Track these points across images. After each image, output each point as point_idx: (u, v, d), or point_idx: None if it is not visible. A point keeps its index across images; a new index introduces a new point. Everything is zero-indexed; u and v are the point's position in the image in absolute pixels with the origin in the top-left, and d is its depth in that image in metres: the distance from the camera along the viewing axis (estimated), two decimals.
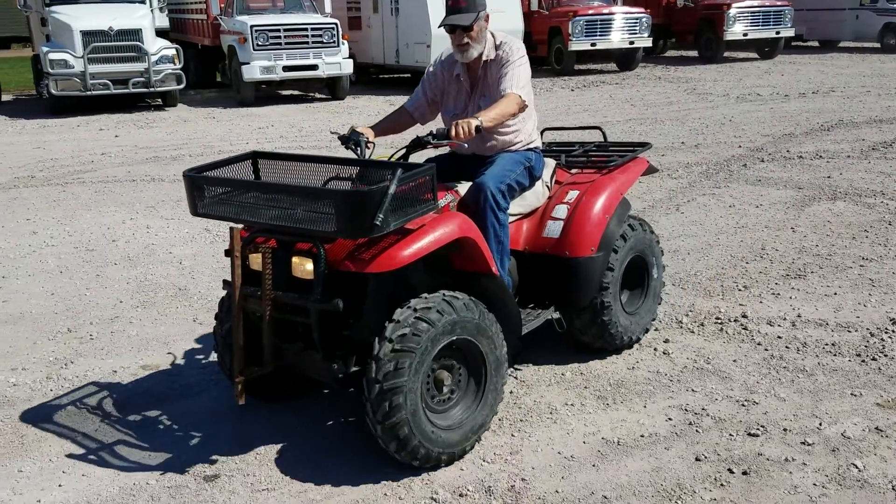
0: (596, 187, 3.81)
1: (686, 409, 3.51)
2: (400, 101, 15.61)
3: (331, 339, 3.11)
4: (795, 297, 4.66)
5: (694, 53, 19.55)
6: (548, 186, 3.84)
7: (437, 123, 3.73)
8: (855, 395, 3.56)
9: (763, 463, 3.09)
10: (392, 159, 3.43)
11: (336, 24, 15.59)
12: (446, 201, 3.38)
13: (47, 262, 5.94)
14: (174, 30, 21.30)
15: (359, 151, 3.47)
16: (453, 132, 3.27)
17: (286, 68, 15.12)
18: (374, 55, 18.34)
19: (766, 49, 18.99)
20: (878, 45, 19.78)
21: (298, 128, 12.44)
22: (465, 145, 3.45)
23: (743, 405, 3.52)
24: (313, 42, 15.36)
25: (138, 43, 14.36)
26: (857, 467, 3.03)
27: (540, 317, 3.76)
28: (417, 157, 3.59)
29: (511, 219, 3.63)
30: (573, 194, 3.81)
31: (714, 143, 9.14)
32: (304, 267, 3.05)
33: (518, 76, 3.51)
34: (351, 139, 3.49)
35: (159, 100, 15.70)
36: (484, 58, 3.59)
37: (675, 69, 17.76)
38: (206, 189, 3.14)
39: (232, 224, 3.10)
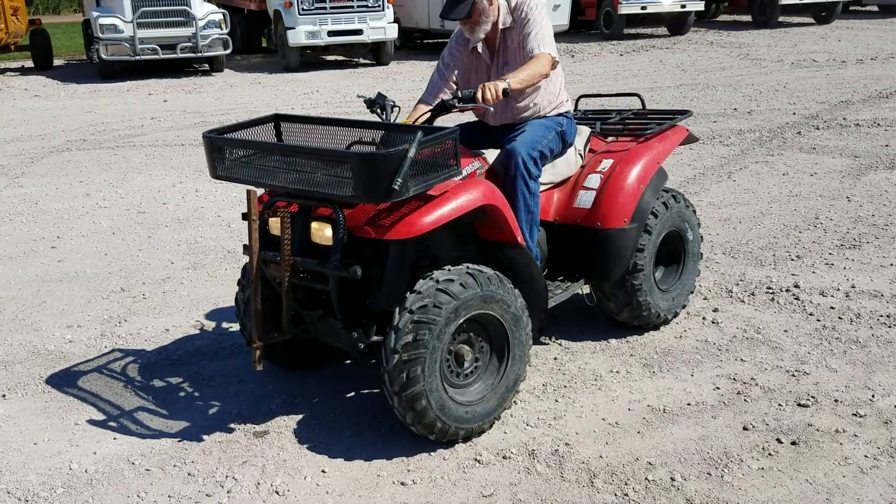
0: (631, 156, 3.66)
1: (734, 379, 3.47)
2: None
3: (351, 307, 3.06)
4: (850, 268, 4.54)
5: (747, 18, 18.99)
6: (581, 155, 3.71)
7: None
8: None
9: (813, 433, 3.05)
10: (416, 123, 3.31)
11: None
12: (473, 168, 3.28)
13: (100, 223, 6.07)
14: None
15: (384, 115, 3.41)
16: (479, 95, 3.14)
17: (331, 33, 15.10)
18: (419, 20, 18.18)
19: (822, 14, 18.35)
20: None
21: (343, 93, 12.44)
22: (492, 109, 3.32)
23: (793, 376, 3.46)
24: (358, 6, 15.29)
25: (186, 7, 14.47)
26: None
27: (569, 290, 3.62)
28: (446, 124, 3.55)
29: (542, 188, 3.53)
30: (607, 163, 3.66)
31: (767, 109, 8.91)
32: (323, 232, 2.98)
33: (542, 33, 3.34)
34: (377, 102, 3.43)
35: (206, 65, 15.83)
36: (500, 26, 3.44)
37: (727, 34, 17.29)
38: (226, 151, 3.09)
39: (249, 187, 3.02)
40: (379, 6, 15.39)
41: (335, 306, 3.02)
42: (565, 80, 3.67)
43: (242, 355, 3.86)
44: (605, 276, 3.66)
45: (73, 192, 7.00)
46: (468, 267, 3.00)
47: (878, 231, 5.07)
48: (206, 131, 3.13)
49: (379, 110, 3.43)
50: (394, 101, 3.44)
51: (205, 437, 3.17)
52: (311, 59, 16.66)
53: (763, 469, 2.86)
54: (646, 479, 2.83)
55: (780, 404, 3.25)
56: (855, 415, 3.15)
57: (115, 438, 3.20)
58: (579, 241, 3.60)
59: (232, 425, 3.25)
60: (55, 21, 30.73)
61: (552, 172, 3.59)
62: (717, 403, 3.30)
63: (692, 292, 4.10)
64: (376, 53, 16.09)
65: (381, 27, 15.47)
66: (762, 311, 4.09)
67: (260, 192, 3.16)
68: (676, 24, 17.56)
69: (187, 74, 15.14)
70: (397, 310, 2.88)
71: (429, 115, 3.40)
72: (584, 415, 3.26)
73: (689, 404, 3.30)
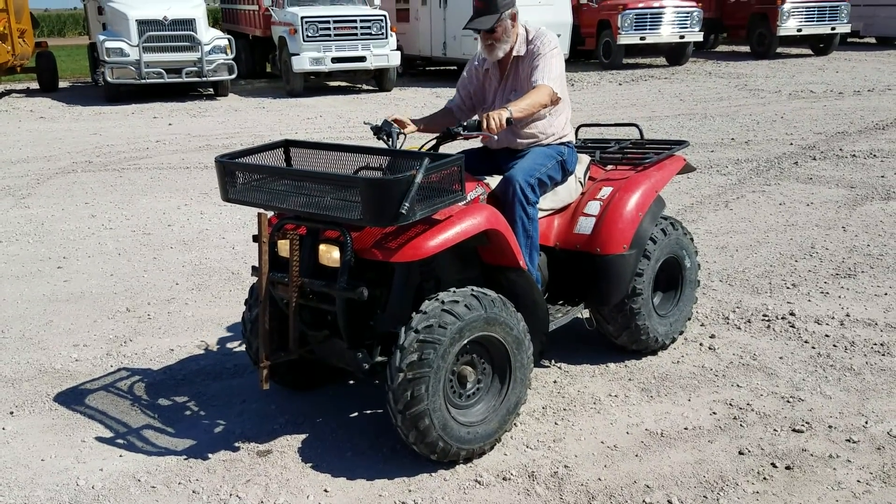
0: (630, 184, 3.77)
1: (730, 404, 3.53)
2: (447, 93, 15.68)
3: (356, 327, 3.12)
4: (844, 297, 4.62)
5: (746, 49, 19.23)
6: (581, 182, 3.81)
7: None
8: None
9: (807, 458, 3.10)
10: (423, 150, 3.41)
11: (385, 15, 15.71)
12: (476, 194, 3.37)
13: (106, 244, 6.14)
14: (226, 20, 21.69)
15: (390, 142, 3.50)
16: (484, 124, 3.25)
17: (335, 59, 15.31)
18: (422, 47, 18.43)
19: (820, 45, 18.57)
20: None
21: (346, 118, 12.59)
22: (496, 137, 3.45)
23: (788, 402, 3.52)
24: (362, 34, 15.51)
25: (192, 33, 14.68)
26: None
27: (569, 314, 3.71)
28: (450, 150, 3.64)
29: (542, 214, 3.63)
30: (606, 191, 3.76)
31: (765, 139, 9.03)
32: (330, 255, 3.05)
33: (550, 68, 3.47)
34: (383, 129, 3.51)
35: (211, 89, 16.01)
36: (514, 53, 3.57)
37: (725, 64, 17.51)
38: (237, 175, 3.16)
39: (260, 210, 3.10)
40: (382, 34, 15.61)
41: (341, 327, 3.08)
42: None
43: (246, 375, 3.92)
44: (604, 300, 3.73)
45: (79, 213, 7.08)
46: (472, 289, 3.05)
47: (873, 261, 5.15)
48: (219, 156, 3.21)
49: (385, 137, 3.52)
50: (399, 129, 3.53)
51: (209, 455, 3.23)
52: (315, 84, 16.86)
53: (758, 493, 2.91)
54: (643, 501, 2.88)
55: (775, 429, 3.31)
56: (848, 440, 3.20)
57: (121, 455, 3.25)
58: (579, 266, 3.68)
59: (236, 444, 3.30)
60: (60, 43, 31.07)
61: (553, 199, 3.68)
62: (714, 428, 3.35)
63: (689, 319, 4.18)
64: (379, 80, 16.29)
65: (385, 54, 15.68)
66: (758, 338, 4.15)
67: (270, 214, 3.24)
68: (675, 54, 17.78)
69: (192, 98, 15.31)
70: (403, 329, 2.93)
71: (434, 142, 3.54)
72: (583, 437, 3.31)
73: (686, 428, 3.36)
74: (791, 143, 8.65)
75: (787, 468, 3.05)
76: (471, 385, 3.13)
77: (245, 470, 3.12)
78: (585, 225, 3.70)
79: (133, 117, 13.08)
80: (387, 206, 2.77)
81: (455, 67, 19.30)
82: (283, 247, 3.17)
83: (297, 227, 3.12)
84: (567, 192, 3.74)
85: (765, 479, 2.99)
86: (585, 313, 4.00)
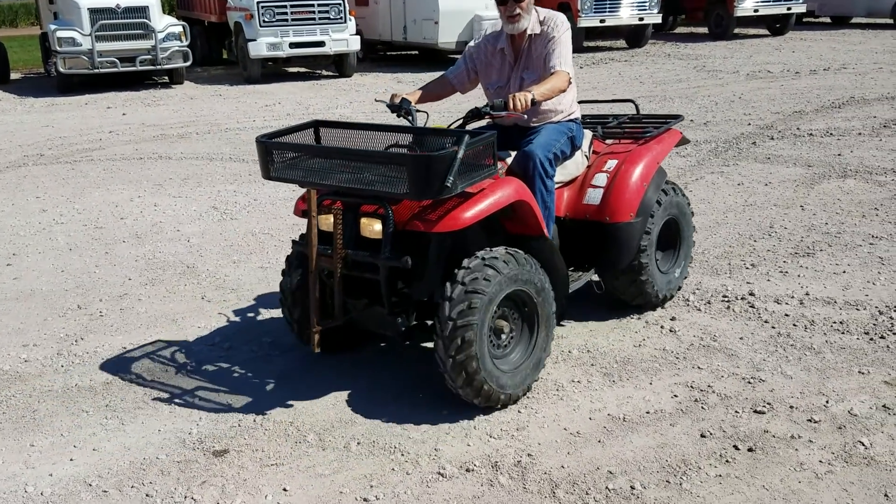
0: (634, 157, 4.00)
1: (692, 387, 3.52)
2: (408, 77, 15.48)
3: (396, 295, 3.35)
4: (803, 276, 4.64)
5: (704, 30, 19.32)
6: (586, 156, 4.03)
7: (476, 94, 3.97)
8: (862, 373, 3.55)
9: (769, 440, 3.10)
10: (450, 128, 3.59)
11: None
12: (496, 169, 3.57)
13: (57, 239, 5.96)
14: (181, 6, 21.24)
15: (410, 119, 3.69)
16: (511, 104, 3.42)
17: (293, 45, 15.07)
18: (382, 32, 18.21)
19: (777, 25, 18.73)
20: (890, 20, 19.51)
21: (305, 105, 12.41)
22: (525, 116, 3.68)
23: (749, 383, 3.53)
24: (320, 18, 15.29)
25: (145, 20, 14.34)
26: (863, 444, 3.03)
27: (581, 278, 3.98)
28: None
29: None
30: (612, 163, 3.99)
31: (723, 120, 9.08)
32: (372, 227, 3.26)
33: (565, 53, 3.68)
34: (402, 107, 3.69)
35: (166, 77, 15.67)
36: (528, 31, 3.73)
37: (684, 46, 17.59)
38: (275, 154, 3.34)
39: (303, 187, 3.34)
40: (341, 18, 15.40)
41: (384, 294, 3.30)
42: None
43: (201, 373, 3.81)
44: (614, 265, 4.00)
45: (30, 207, 6.87)
46: (507, 249, 3.32)
47: (831, 239, 5.19)
48: (259, 136, 3.36)
49: (404, 114, 3.71)
50: (418, 107, 3.75)
51: (163, 456, 3.13)
52: (274, 70, 16.59)
53: (720, 476, 2.90)
54: (606, 488, 2.86)
55: (736, 411, 3.31)
56: (810, 420, 3.21)
57: (71, 460, 3.14)
58: (589, 235, 3.92)
59: (191, 444, 3.21)
60: (12, 34, 30.21)
61: (562, 173, 3.87)
62: (675, 411, 3.34)
63: (686, 277, 4.47)
64: (339, 65, 16.07)
65: (344, 39, 15.48)
66: (718, 319, 4.16)
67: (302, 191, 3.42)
68: (635, 36, 17.81)
69: (147, 87, 14.97)
70: (449, 284, 3.18)
71: (461, 121, 3.69)
72: (547, 425, 3.28)
73: (647, 412, 3.34)
74: (749, 124, 8.71)
75: (750, 450, 3.04)
76: (505, 337, 3.40)
77: (200, 471, 3.04)
78: (594, 196, 3.93)
79: (86, 108, 12.75)
80: (432, 181, 2.99)
81: (416, 52, 19.16)
82: (326, 221, 3.33)
83: (333, 202, 3.27)
84: (575, 166, 3.95)
85: (727, 461, 2.98)
86: (595, 277, 4.19)
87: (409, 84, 14.53)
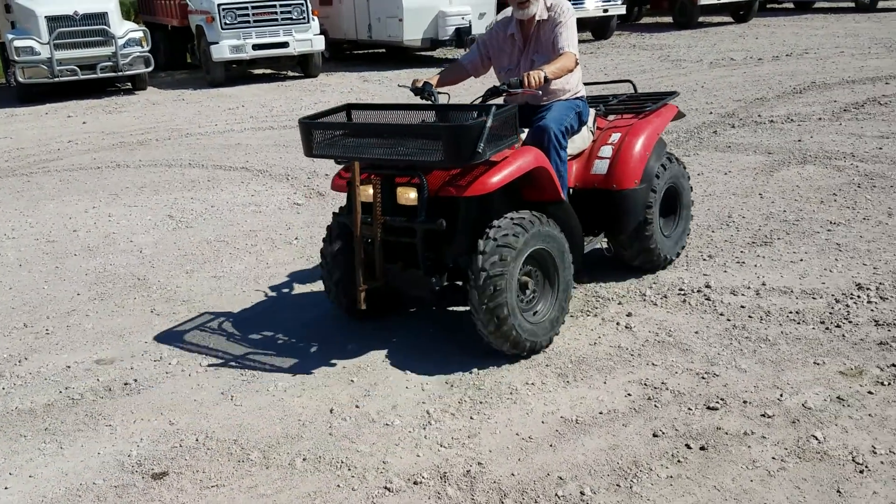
0: (636, 129, 4.33)
1: (646, 384, 3.46)
2: (375, 76, 15.33)
3: (430, 257, 3.69)
4: (760, 265, 4.60)
5: (669, 19, 19.34)
6: (591, 131, 4.35)
7: (489, 77, 4.38)
8: (818, 364, 3.51)
9: (721, 437, 3.05)
10: (473, 103, 3.96)
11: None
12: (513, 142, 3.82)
13: (7, 255, 5.81)
14: (143, 11, 20.93)
15: (433, 99, 4.04)
16: (526, 81, 3.73)
17: (256, 46, 14.90)
18: (347, 31, 18.05)
19: (740, 12, 18.78)
20: (852, 4, 19.65)
21: (269, 107, 12.26)
22: (539, 92, 4.00)
23: (703, 378, 3.47)
24: (283, 19, 15.13)
25: (104, 27, 14.09)
26: (816, 439, 2.99)
27: (592, 242, 4.30)
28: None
29: None
30: (616, 136, 4.32)
31: (685, 110, 9.00)
32: (407, 195, 3.61)
33: (571, 35, 4.00)
34: (425, 89, 4.04)
35: (129, 83, 15.43)
36: (537, 17, 4.04)
37: (650, 36, 17.59)
38: (315, 134, 3.70)
39: (344, 162, 3.76)
40: (304, 18, 15.25)
41: (420, 255, 3.64)
42: None
43: (142, 392, 3.70)
44: (622, 229, 4.31)
45: None
46: (531, 212, 3.66)
47: (789, 227, 5.16)
48: (302, 118, 3.73)
49: (427, 95, 4.05)
50: (439, 90, 4.10)
51: (100, 481, 3.02)
52: (239, 73, 16.39)
53: (672, 477, 2.84)
54: (556, 494, 2.79)
55: (689, 408, 3.26)
56: (763, 415, 3.16)
57: (6, 488, 3.03)
58: (598, 202, 4.24)
59: (129, 468, 3.10)
60: None
61: (571, 147, 4.13)
62: (629, 410, 3.28)
63: (688, 235, 4.80)
64: (304, 66, 15.91)
65: (308, 39, 15.34)
66: (674, 314, 4.10)
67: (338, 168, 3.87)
68: (600, 28, 17.76)
69: (109, 94, 14.73)
70: (482, 240, 3.51)
71: (481, 98, 3.95)
72: (499, 430, 3.21)
73: (601, 413, 3.28)
74: (711, 112, 8.68)
75: (702, 448, 2.99)
76: (529, 292, 3.74)
77: (138, 495, 2.93)
78: (601, 166, 4.26)
79: (47, 117, 12.51)
80: (465, 148, 3.35)
81: (383, 50, 19.02)
82: (365, 191, 3.61)
83: (368, 175, 3.61)
84: (581, 140, 4.26)
85: (679, 461, 2.93)
86: (604, 242, 4.56)
87: (375, 83, 14.42)
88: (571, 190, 4.20)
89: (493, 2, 16.80)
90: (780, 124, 7.92)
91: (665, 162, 4.42)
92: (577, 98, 4.19)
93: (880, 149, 6.76)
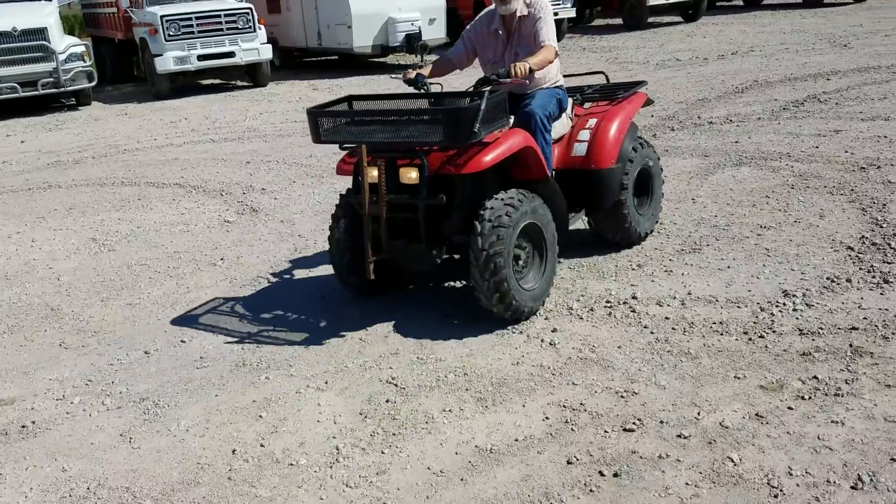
0: (610, 115, 4.72)
1: (564, 406, 3.35)
2: (325, 84, 15.07)
3: (431, 232, 4.04)
4: (688, 274, 4.52)
5: (620, 21, 19.39)
6: (570, 118, 4.72)
7: (474, 69, 4.80)
8: (738, 378, 3.43)
9: (636, 462, 2.94)
10: (468, 91, 4.23)
11: (251, 8, 15.10)
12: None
13: None
14: (88, 25, 20.52)
15: (425, 89, 4.36)
16: (514, 72, 4.05)
17: (201, 57, 14.65)
18: (296, 38, 17.83)
19: (689, 12, 18.89)
20: (800, 0, 19.88)
21: (213, 119, 12.02)
22: (527, 81, 4.31)
23: (622, 397, 3.37)
24: (228, 29, 14.89)
25: (44, 42, 13.73)
26: (732, 461, 2.89)
27: (574, 218, 4.64)
28: None
29: None
30: (592, 121, 4.70)
31: None
32: (409, 175, 3.94)
33: (550, 30, 4.34)
34: (418, 80, 4.35)
35: (73, 99, 15.06)
36: (518, 13, 4.37)
37: (600, 38, 17.60)
38: (321, 122, 4.04)
39: (349, 146, 4.15)
40: (250, 28, 15.02)
41: (422, 229, 3.99)
42: None
43: (38, 435, 3.49)
44: (601, 205, 4.68)
45: None
46: (520, 191, 4.01)
47: (719, 232, 5.09)
48: (309, 108, 4.07)
49: (421, 86, 4.35)
50: (432, 81, 4.43)
51: None
52: (189, 83, 16.10)
53: None
54: None
55: (606, 431, 3.14)
56: (679, 436, 3.06)
57: None
58: (578, 182, 4.61)
59: None
60: None
61: (552, 132, 4.45)
62: (545, 436, 3.16)
63: (661, 211, 5.19)
64: (252, 75, 15.69)
65: (255, 48, 15.11)
66: (599, 327, 4.00)
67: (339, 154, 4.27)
68: None
69: (53, 110, 14.36)
70: (478, 222, 3.86)
71: (472, 88, 4.18)
72: (410, 465, 3.07)
73: (516, 440, 3.16)
74: (652, 115, 8.62)
75: (615, 475, 2.88)
76: (522, 262, 4.09)
77: None
78: (580, 149, 4.64)
79: None
80: (463, 129, 3.71)
81: (336, 57, 18.80)
82: (371, 173, 3.92)
83: (373, 159, 3.91)
84: (562, 126, 4.62)
85: (591, 490, 2.81)
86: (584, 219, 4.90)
87: (325, 91, 14.23)
88: (554, 172, 4.45)
89: (443, 7, 16.71)
90: (719, 125, 7.89)
91: (637, 146, 4.78)
92: (556, 87, 4.55)
93: (816, 147, 6.74)
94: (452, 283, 4.74)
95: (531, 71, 4.13)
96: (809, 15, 17.52)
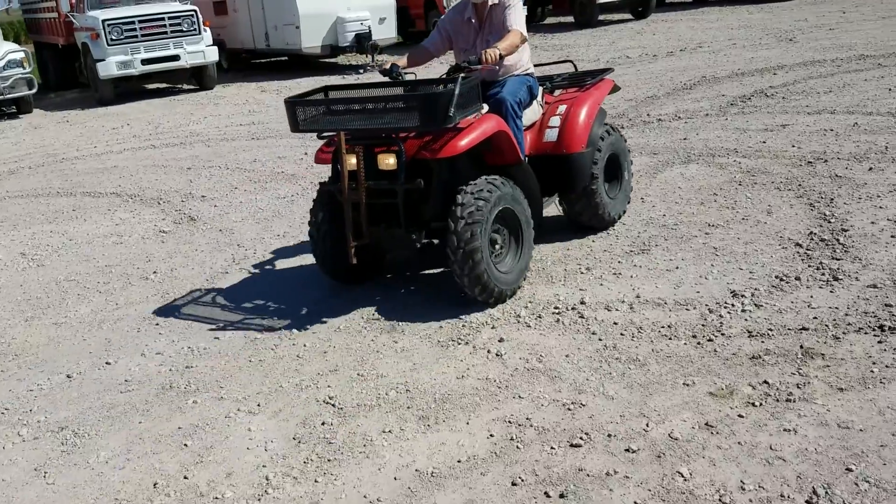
0: (579, 101, 4.85)
1: (510, 422, 3.19)
2: (273, 86, 14.82)
3: (411, 216, 4.15)
4: (636, 276, 4.40)
5: (571, 19, 19.37)
6: (541, 105, 4.84)
7: (446, 57, 5.14)
8: (687, 385, 3.31)
9: (582, 480, 2.80)
10: (441, 77, 4.36)
11: (195, 10, 14.76)
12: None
13: None
14: (31, 31, 19.90)
15: (400, 79, 4.46)
16: (484, 58, 4.16)
17: (145, 61, 14.30)
18: (244, 40, 17.49)
19: (639, 9, 18.95)
20: None
21: (156, 125, 11.69)
22: (497, 67, 4.48)
23: (569, 409, 3.23)
24: (172, 32, 14.54)
25: None
26: (682, 476, 2.76)
27: (547, 202, 4.80)
28: None
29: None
30: (562, 108, 4.83)
31: None
32: (387, 161, 4.02)
33: (518, 16, 4.48)
34: (393, 71, 4.46)
35: (13, 107, 14.55)
36: (489, 2, 4.55)
37: (552, 37, 17.56)
38: (299, 111, 4.11)
39: (327, 134, 4.25)
40: (195, 30, 14.69)
41: (402, 214, 4.09)
42: None
43: None
44: (573, 188, 4.81)
45: None
46: (486, 178, 4.10)
47: (668, 232, 4.99)
48: (287, 98, 4.14)
49: (395, 76, 4.46)
50: (406, 70, 4.53)
51: None
52: (134, 88, 15.67)
53: None
54: None
55: (552, 447, 3.00)
56: (628, 450, 2.93)
57: None
58: (550, 166, 4.71)
59: None
60: None
61: (524, 119, 4.55)
62: (489, 455, 3.00)
63: (629, 203, 5.33)
64: (199, 78, 15.33)
65: (200, 51, 14.79)
66: (547, 336, 3.86)
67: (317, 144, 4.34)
68: None
69: None
70: (450, 220, 3.95)
71: (446, 75, 4.30)
72: (345, 494, 2.88)
73: (459, 461, 2.99)
74: None
75: (561, 496, 2.73)
76: (499, 246, 4.21)
77: None
78: (551, 134, 4.75)
79: None
80: (438, 113, 3.81)
81: (286, 58, 18.46)
82: (349, 160, 3.97)
83: (352, 147, 3.97)
84: (532, 113, 4.73)
85: None
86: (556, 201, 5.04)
87: (273, 93, 13.96)
88: (526, 158, 4.54)
89: (393, 6, 16.52)
90: (667, 122, 7.83)
91: (604, 134, 4.90)
92: (527, 74, 4.67)
93: (763, 142, 6.71)
94: (399, 290, 4.57)
95: (501, 57, 4.23)
96: (756, 10, 17.68)
